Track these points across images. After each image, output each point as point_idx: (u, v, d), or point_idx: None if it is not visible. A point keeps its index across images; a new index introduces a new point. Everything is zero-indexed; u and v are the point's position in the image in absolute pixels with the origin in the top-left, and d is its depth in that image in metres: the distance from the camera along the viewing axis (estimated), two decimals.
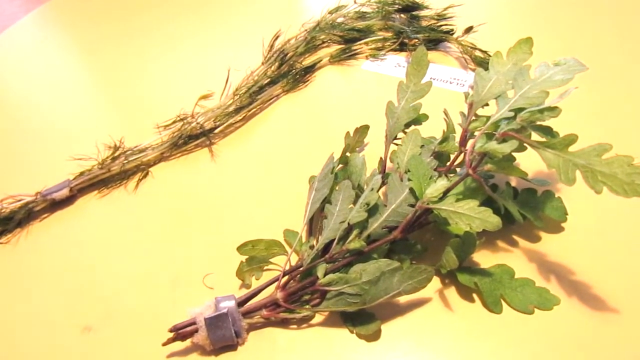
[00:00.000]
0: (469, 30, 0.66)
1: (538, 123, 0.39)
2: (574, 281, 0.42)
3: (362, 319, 0.41)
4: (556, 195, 0.46)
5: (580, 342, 0.38)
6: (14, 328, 0.44)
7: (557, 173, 0.36)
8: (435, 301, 0.42)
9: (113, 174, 0.57)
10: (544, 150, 0.37)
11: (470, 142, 0.42)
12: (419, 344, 0.40)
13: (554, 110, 0.38)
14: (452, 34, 0.69)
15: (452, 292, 0.42)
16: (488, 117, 0.42)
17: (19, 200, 0.54)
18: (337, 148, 0.51)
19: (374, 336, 0.40)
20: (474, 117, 0.43)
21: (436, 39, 0.69)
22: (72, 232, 0.53)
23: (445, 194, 0.40)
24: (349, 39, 0.74)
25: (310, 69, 0.70)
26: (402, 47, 0.71)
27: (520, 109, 0.40)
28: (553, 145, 0.37)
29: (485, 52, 0.65)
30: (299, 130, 0.62)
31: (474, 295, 0.42)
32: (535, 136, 0.39)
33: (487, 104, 0.43)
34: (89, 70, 0.78)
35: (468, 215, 0.38)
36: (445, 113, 0.47)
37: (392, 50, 0.71)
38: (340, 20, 0.74)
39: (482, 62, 0.64)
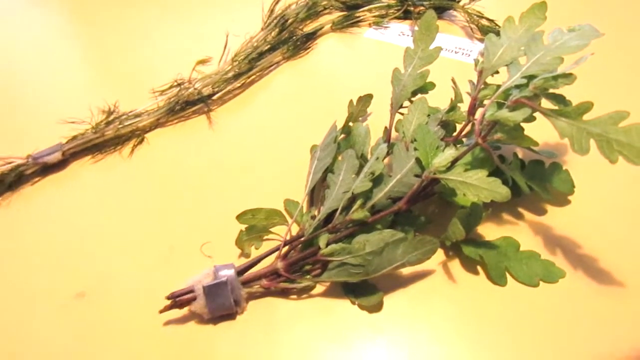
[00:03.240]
0: None
1: (551, 91, 0.38)
2: (580, 254, 0.41)
3: (364, 290, 0.40)
4: (563, 168, 0.45)
5: (586, 315, 0.38)
6: (5, 294, 0.43)
7: (570, 142, 0.35)
8: (439, 273, 0.41)
9: (107, 138, 0.56)
10: (556, 119, 0.36)
11: (479, 111, 0.41)
12: (422, 316, 0.39)
13: (569, 77, 0.36)
14: (458, 1, 0.66)
15: (456, 265, 0.42)
16: (498, 86, 0.41)
17: (9, 163, 0.52)
18: (339, 117, 0.49)
19: (376, 308, 0.39)
20: (483, 85, 0.42)
21: (441, 6, 0.67)
22: (65, 196, 0.51)
23: (453, 163, 0.39)
24: (351, 6, 0.71)
25: (312, 36, 0.68)
26: (406, 15, 0.69)
27: (533, 76, 0.38)
28: (567, 114, 0.35)
29: (492, 20, 0.63)
30: (299, 99, 0.60)
31: (478, 268, 0.41)
32: (547, 106, 0.37)
33: (497, 72, 0.42)
34: (83, 31, 0.75)
35: (476, 185, 0.37)
36: (453, 81, 0.46)
37: (395, 18, 0.69)
38: None
39: (489, 32, 0.62)
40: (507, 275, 0.40)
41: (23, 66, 0.69)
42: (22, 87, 0.65)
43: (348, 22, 0.69)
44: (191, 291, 0.38)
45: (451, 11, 0.67)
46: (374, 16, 0.70)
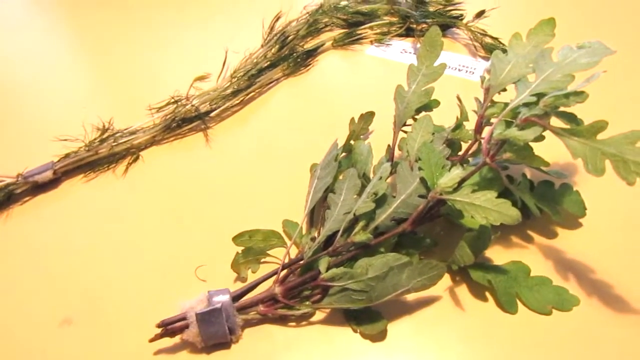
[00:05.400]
0: (480, 14, 0.63)
1: (562, 109, 0.36)
2: (594, 280, 0.39)
3: (366, 317, 0.37)
4: (574, 189, 0.43)
5: (601, 345, 0.36)
6: None
7: (584, 163, 0.33)
8: (446, 300, 0.39)
9: (101, 157, 0.54)
10: (569, 138, 0.34)
11: (486, 130, 0.39)
12: (428, 345, 0.37)
13: (580, 94, 0.35)
14: (462, 19, 0.65)
15: (463, 290, 0.39)
16: (506, 104, 0.39)
17: None
18: (339, 135, 0.47)
19: (380, 336, 0.37)
20: (489, 103, 0.41)
21: (444, 24, 0.66)
22: (55, 217, 0.49)
23: (460, 184, 0.37)
24: (352, 23, 0.70)
25: (312, 53, 0.67)
26: (408, 33, 0.68)
27: (542, 94, 0.37)
28: (579, 133, 0.34)
29: (496, 38, 0.62)
30: (299, 116, 0.58)
31: (487, 294, 0.39)
32: (557, 124, 0.36)
33: (505, 89, 0.40)
34: (78, 47, 0.74)
35: (485, 207, 0.35)
36: (459, 98, 0.44)
37: (397, 35, 0.68)
38: (344, 3, 0.71)
39: (493, 49, 0.61)
40: (518, 302, 0.38)
41: (14, 82, 0.68)
42: (12, 103, 0.64)
43: (349, 39, 0.68)
44: (183, 318, 0.36)
45: (454, 29, 0.66)
46: (376, 33, 0.69)
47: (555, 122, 0.36)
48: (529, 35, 0.40)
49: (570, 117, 0.36)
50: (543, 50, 0.39)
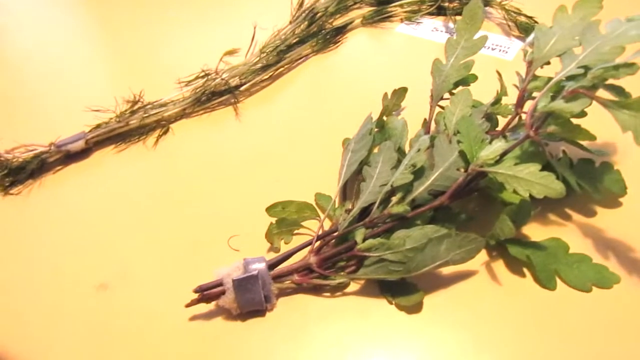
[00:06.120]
0: None
1: (610, 82, 0.35)
2: (634, 259, 0.38)
3: (402, 289, 0.37)
4: (614, 168, 0.42)
5: None
6: (23, 284, 0.41)
7: (634, 136, 0.32)
8: (482, 274, 0.39)
9: (131, 128, 0.54)
10: (618, 111, 0.33)
11: (529, 103, 0.39)
12: (464, 318, 0.36)
13: (631, 66, 0.34)
14: None
15: (500, 266, 0.39)
16: (549, 77, 0.38)
17: (32, 150, 0.50)
18: (369, 111, 0.46)
19: (416, 308, 0.37)
20: (532, 77, 0.40)
21: None
22: (87, 186, 0.49)
23: (502, 157, 0.37)
24: (382, 1, 0.69)
25: (341, 30, 0.66)
26: (439, 11, 0.67)
27: (589, 67, 0.36)
28: (630, 105, 0.33)
29: (531, 17, 0.60)
30: (329, 92, 0.58)
31: (524, 270, 0.39)
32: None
33: (548, 62, 0.39)
34: (111, 19, 0.74)
35: (528, 180, 0.35)
36: (498, 73, 0.43)
37: (428, 13, 0.67)
38: None
39: (527, 28, 0.60)
40: (557, 278, 0.37)
41: (48, 54, 0.68)
42: (46, 74, 0.64)
43: (379, 17, 0.67)
44: (220, 284, 0.36)
45: (487, 7, 0.65)
46: (406, 11, 0.68)
47: (602, 95, 0.35)
48: (575, 7, 0.39)
49: (619, 90, 0.35)
50: (590, 22, 0.38)
